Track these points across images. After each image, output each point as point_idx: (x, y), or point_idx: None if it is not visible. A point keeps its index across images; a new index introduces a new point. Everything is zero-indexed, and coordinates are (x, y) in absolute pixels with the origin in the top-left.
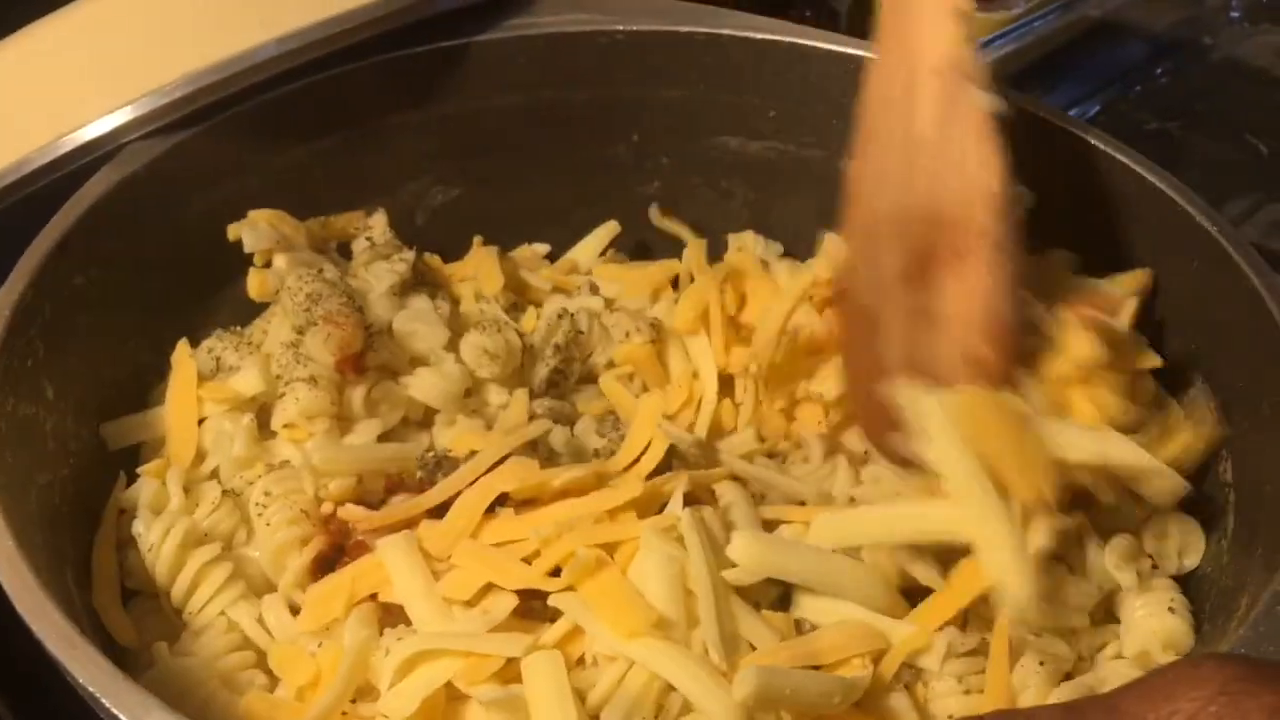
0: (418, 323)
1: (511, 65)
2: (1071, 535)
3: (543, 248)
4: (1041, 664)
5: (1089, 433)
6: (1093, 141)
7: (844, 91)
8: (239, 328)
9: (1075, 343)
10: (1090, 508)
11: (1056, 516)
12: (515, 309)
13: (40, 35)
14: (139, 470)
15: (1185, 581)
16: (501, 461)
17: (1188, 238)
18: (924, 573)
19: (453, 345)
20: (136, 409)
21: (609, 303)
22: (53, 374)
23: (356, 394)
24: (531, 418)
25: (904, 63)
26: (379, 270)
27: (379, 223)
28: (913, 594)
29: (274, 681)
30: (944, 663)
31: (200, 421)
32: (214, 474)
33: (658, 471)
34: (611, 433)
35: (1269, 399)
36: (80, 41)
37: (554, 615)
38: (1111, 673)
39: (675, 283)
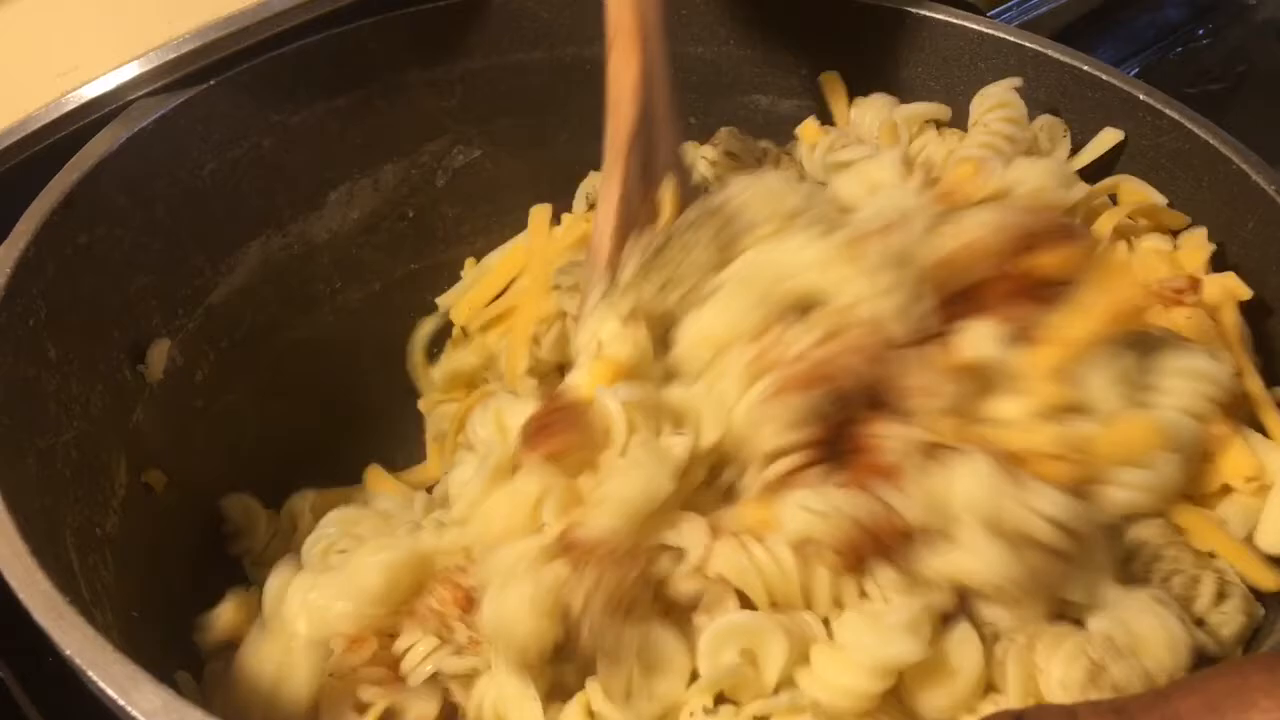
0: None
1: (534, 20)
2: None
3: None
4: None
5: None
6: (1143, 98)
7: (881, 49)
8: None
9: None
10: None
11: None
12: None
13: None
14: None
15: None
16: None
17: (1244, 196)
18: None
19: None
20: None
21: None
22: (55, 335)
23: None
24: None
25: None
26: None
27: None
28: None
29: None
30: None
31: None
32: None
33: None
34: None
35: None
36: None
37: None
38: None
39: None
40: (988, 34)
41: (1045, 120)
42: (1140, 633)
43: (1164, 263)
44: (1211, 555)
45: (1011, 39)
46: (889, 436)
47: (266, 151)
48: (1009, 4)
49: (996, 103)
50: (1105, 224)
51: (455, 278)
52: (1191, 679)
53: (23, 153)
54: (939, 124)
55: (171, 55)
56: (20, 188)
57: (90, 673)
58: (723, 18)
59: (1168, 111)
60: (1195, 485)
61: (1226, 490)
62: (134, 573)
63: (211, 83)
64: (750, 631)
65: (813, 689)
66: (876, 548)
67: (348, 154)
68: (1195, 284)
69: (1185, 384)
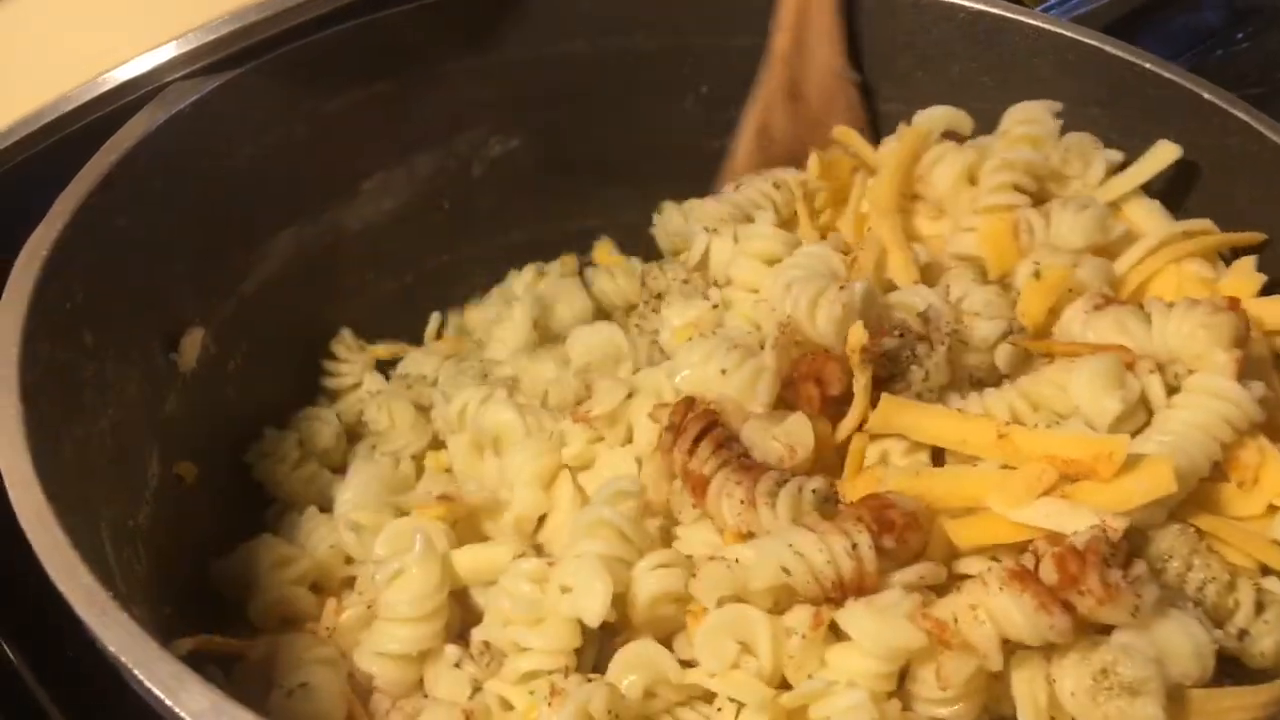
0: None
1: (575, 10)
2: None
3: None
4: None
5: None
6: (1205, 96)
7: (932, 43)
8: None
9: None
10: None
11: None
12: None
13: None
14: None
15: None
16: None
17: None
18: None
19: None
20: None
21: None
22: (92, 320)
23: None
24: None
25: None
26: None
27: None
28: None
29: None
30: None
31: None
32: None
33: None
34: None
35: None
36: None
37: None
38: None
39: None
40: (1044, 29)
41: (1074, 140)
42: (1165, 642)
43: (1205, 289)
44: (1243, 567)
45: (1068, 34)
46: None
47: (301, 138)
48: (1048, 4)
49: (1024, 118)
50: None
51: (488, 271)
52: None
53: (57, 133)
54: (959, 137)
55: (208, 38)
56: (53, 169)
57: (137, 671)
58: (767, 8)
59: (1234, 112)
60: (1239, 507)
61: (1274, 510)
62: (165, 566)
63: (248, 67)
64: (743, 625)
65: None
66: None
67: (382, 142)
68: (1235, 303)
69: (1205, 401)
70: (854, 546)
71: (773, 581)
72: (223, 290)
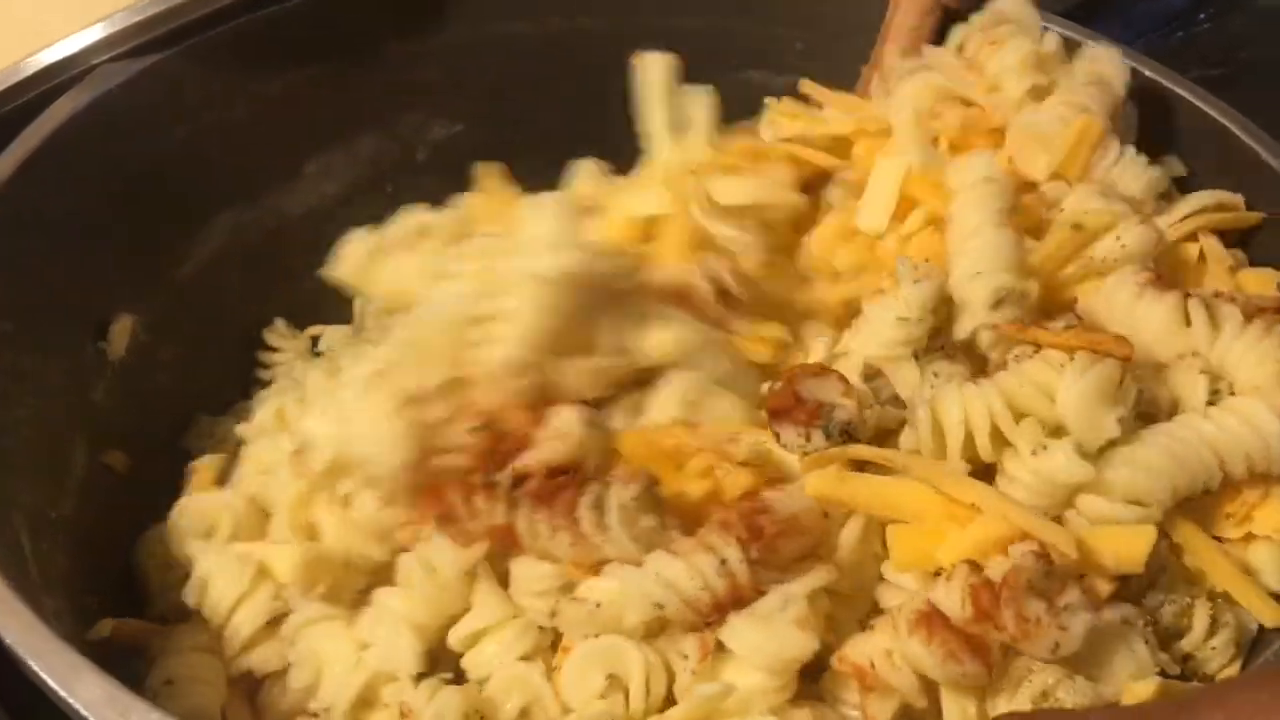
0: None
1: None
2: None
3: None
4: None
5: None
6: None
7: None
8: None
9: None
10: None
11: None
12: None
13: None
14: None
15: None
16: None
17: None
18: None
19: None
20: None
21: None
22: (10, 307)
23: None
24: None
25: None
26: None
27: None
28: None
29: None
30: None
31: None
32: None
33: None
34: None
35: None
36: None
37: None
38: None
39: None
40: None
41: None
42: (1107, 663)
43: (1226, 271)
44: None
45: None
46: None
47: (238, 120)
48: None
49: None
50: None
51: None
52: (1215, 691)
53: None
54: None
55: (137, 18)
56: None
57: (30, 661)
58: None
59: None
60: (1220, 527)
61: (1251, 538)
62: (93, 556)
63: (180, 47)
64: (614, 657)
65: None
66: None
67: (323, 124)
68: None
69: (1238, 427)
70: (723, 562)
71: (645, 618)
72: (156, 277)
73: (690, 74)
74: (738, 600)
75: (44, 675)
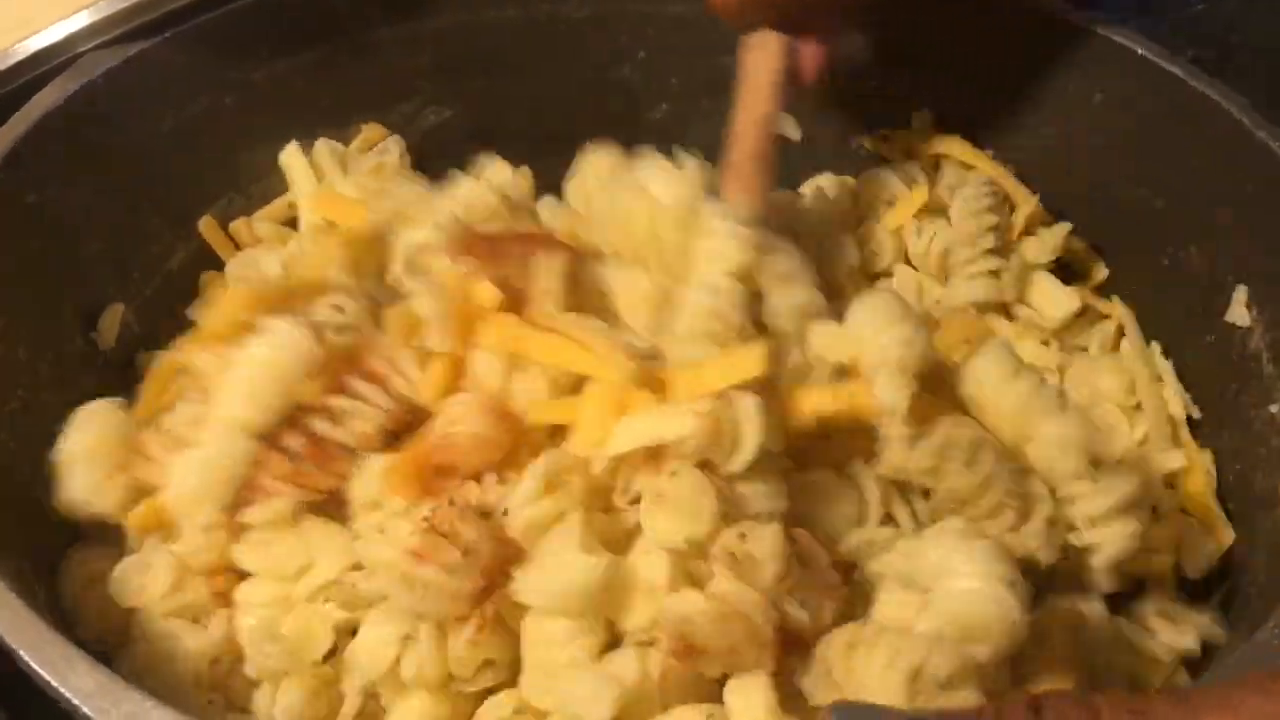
0: None
1: None
2: None
3: None
4: None
5: None
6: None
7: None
8: None
9: None
10: None
11: None
12: None
13: None
14: None
15: None
16: None
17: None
18: None
19: None
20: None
21: None
22: (1, 301)
23: None
24: None
25: None
26: None
27: None
28: None
29: None
30: None
31: None
32: None
33: None
34: None
35: None
36: None
37: None
38: None
39: None
40: None
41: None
42: (970, 618)
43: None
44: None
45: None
46: None
47: (227, 109)
48: None
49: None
50: None
51: None
52: (1219, 691)
53: None
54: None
55: (124, 5)
56: None
57: (23, 653)
58: None
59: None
60: None
61: None
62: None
63: (166, 35)
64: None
65: None
66: None
67: (314, 113)
68: None
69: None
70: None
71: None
72: (147, 268)
73: (679, 59)
74: (511, 558)
75: (38, 667)
